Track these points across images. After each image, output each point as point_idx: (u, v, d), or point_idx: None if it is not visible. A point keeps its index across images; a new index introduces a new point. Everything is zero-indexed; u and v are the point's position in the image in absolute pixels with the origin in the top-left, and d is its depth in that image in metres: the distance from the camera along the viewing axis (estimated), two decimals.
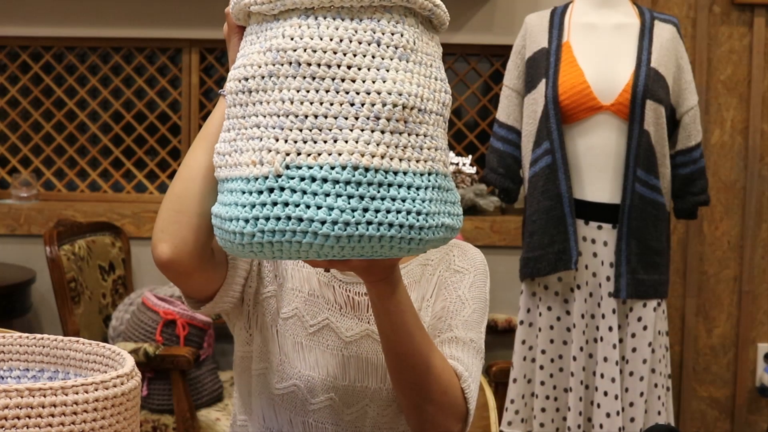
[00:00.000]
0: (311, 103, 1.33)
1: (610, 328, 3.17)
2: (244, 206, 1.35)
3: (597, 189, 3.22)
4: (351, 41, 1.34)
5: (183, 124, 4.47)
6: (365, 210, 1.32)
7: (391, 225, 1.33)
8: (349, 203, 1.31)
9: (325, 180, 1.31)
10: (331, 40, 1.34)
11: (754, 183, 4.19)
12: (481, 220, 4.20)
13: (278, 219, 1.32)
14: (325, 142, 1.32)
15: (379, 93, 1.33)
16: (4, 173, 4.52)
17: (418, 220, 1.35)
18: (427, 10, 1.41)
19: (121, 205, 4.33)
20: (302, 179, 1.32)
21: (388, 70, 1.35)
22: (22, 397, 1.11)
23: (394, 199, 1.33)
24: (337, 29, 1.35)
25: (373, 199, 1.32)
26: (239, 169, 1.37)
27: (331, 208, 1.31)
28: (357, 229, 1.31)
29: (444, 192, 1.41)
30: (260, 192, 1.34)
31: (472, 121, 4.51)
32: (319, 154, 1.32)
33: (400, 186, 1.34)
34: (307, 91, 1.33)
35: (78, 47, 4.46)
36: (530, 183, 3.26)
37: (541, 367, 3.27)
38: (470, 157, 4.32)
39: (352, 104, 1.33)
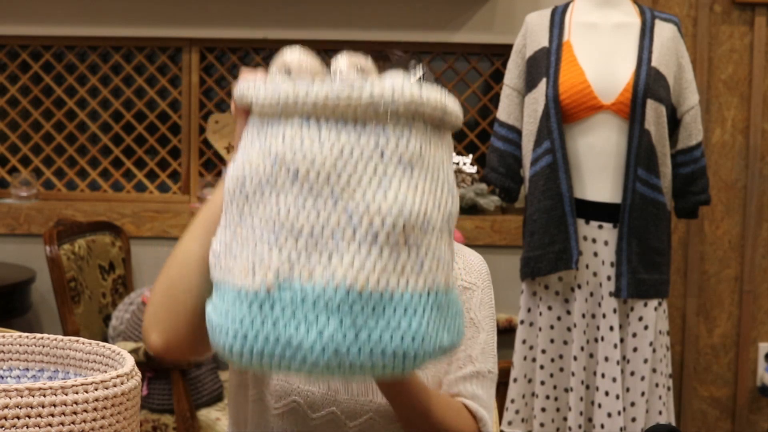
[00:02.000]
0: (308, 216, 1.26)
1: (611, 328, 3.17)
2: (234, 320, 1.29)
3: (598, 188, 3.22)
4: (353, 151, 1.27)
5: (183, 124, 4.47)
6: (357, 335, 1.24)
7: (383, 352, 1.25)
8: (340, 328, 1.24)
9: (316, 301, 1.25)
10: (332, 149, 1.26)
11: (755, 182, 4.19)
12: (481, 220, 4.20)
13: (267, 339, 1.26)
14: (320, 259, 1.25)
15: (379, 210, 1.25)
16: (3, 172, 4.52)
17: (413, 344, 1.27)
18: (438, 116, 1.32)
19: (121, 205, 4.33)
20: (293, 298, 1.26)
21: (390, 183, 1.27)
22: (21, 397, 1.11)
23: (388, 323, 1.26)
24: (339, 137, 1.27)
25: (366, 322, 1.25)
26: (232, 276, 1.31)
27: (321, 332, 1.24)
28: (348, 356, 1.24)
29: (444, 309, 1.33)
30: (251, 305, 1.27)
31: (473, 121, 4.51)
32: (313, 272, 1.25)
33: (395, 308, 1.26)
34: (305, 203, 1.26)
35: (78, 46, 4.46)
36: (531, 182, 3.26)
37: (542, 367, 3.27)
38: (471, 156, 4.32)
39: (351, 219, 1.25)
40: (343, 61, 1.41)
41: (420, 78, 1.39)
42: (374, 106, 1.26)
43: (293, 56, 1.36)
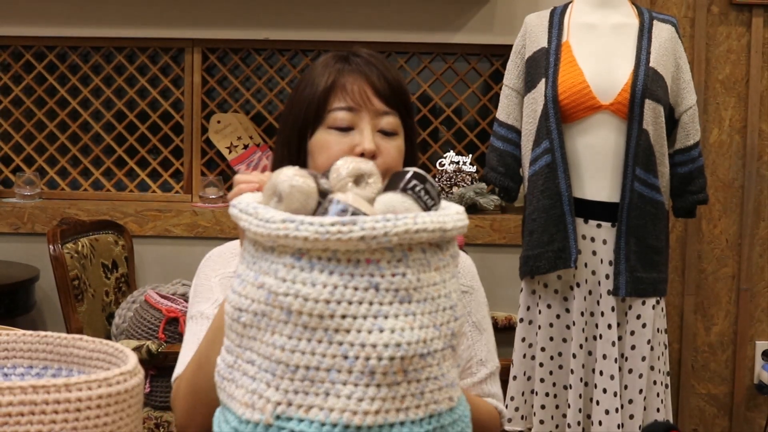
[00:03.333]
0: (303, 354, 1.23)
1: (609, 326, 3.18)
2: None
3: (596, 188, 3.22)
4: (346, 288, 1.22)
5: (185, 124, 4.48)
6: None
7: None
8: None
9: None
10: (324, 287, 1.22)
11: (752, 182, 4.20)
12: (481, 219, 4.21)
13: None
14: (317, 395, 1.23)
15: (375, 346, 1.22)
16: (8, 172, 4.53)
17: None
18: (436, 238, 1.26)
19: (124, 204, 4.34)
20: None
21: (386, 317, 1.22)
22: (25, 395, 1.11)
23: None
24: (331, 274, 1.22)
25: None
26: (234, 403, 1.31)
27: None
28: None
29: (448, 429, 1.30)
30: None
31: (473, 121, 4.52)
32: (311, 408, 1.23)
33: None
34: (299, 340, 1.23)
35: (81, 47, 4.47)
36: (530, 182, 3.27)
37: (541, 365, 3.28)
38: (470, 156, 4.33)
39: (346, 357, 1.22)
40: (343, 169, 1.36)
41: (417, 194, 1.32)
42: (366, 243, 1.21)
43: (284, 181, 1.30)
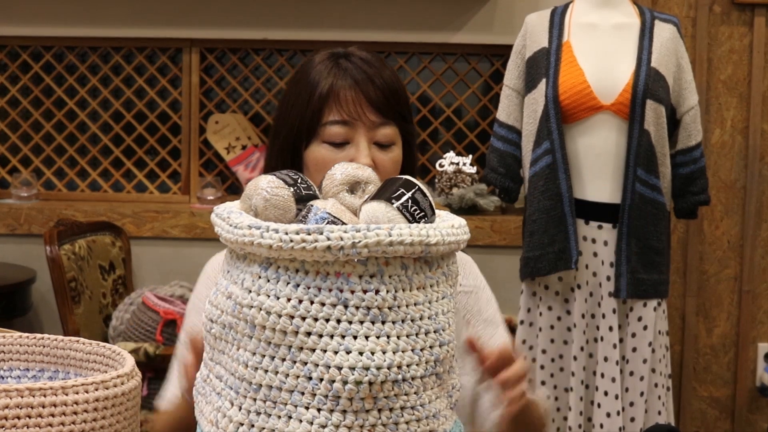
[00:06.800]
0: (265, 372, 1.17)
1: (611, 328, 3.17)
2: None
3: (597, 189, 3.22)
4: (312, 303, 1.15)
5: (183, 124, 4.47)
6: None
7: None
8: None
9: None
10: (288, 301, 1.15)
11: (754, 182, 4.20)
12: (481, 220, 4.20)
13: None
14: (279, 417, 1.16)
15: (339, 368, 1.13)
16: (4, 173, 4.52)
17: None
18: (418, 252, 1.17)
19: (122, 205, 4.33)
20: None
21: (355, 337, 1.14)
22: (22, 397, 1.12)
23: None
24: (297, 287, 1.15)
25: None
26: (203, 419, 1.27)
27: None
28: None
29: None
30: None
31: (473, 121, 4.51)
32: (272, 431, 1.17)
33: None
34: (263, 357, 1.17)
35: (78, 47, 4.46)
36: (530, 183, 3.27)
37: (542, 367, 3.28)
38: (470, 156, 4.32)
39: (309, 378, 1.15)
40: (338, 175, 1.32)
41: (404, 204, 1.23)
42: (333, 254, 1.13)
43: (258, 195, 1.26)
